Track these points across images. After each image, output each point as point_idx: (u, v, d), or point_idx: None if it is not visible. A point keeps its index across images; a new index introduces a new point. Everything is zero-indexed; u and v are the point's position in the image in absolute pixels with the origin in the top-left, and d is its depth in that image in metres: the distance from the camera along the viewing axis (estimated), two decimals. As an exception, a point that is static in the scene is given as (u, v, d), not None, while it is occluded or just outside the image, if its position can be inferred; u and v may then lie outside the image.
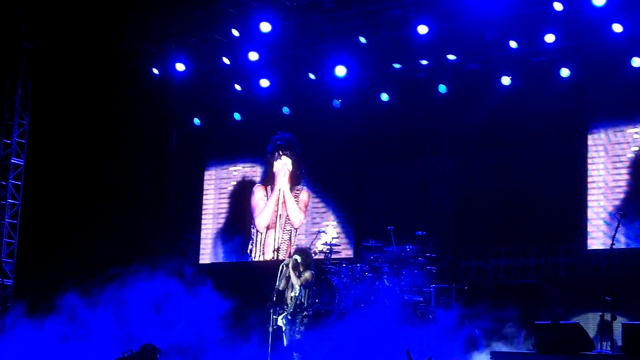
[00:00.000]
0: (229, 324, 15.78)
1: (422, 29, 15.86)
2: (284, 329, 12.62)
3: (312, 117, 18.49)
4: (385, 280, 14.42)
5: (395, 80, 17.55)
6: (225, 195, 19.71)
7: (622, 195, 15.42)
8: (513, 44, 15.74)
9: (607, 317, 11.66)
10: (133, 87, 18.47)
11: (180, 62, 18.20)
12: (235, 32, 17.07)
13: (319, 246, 15.27)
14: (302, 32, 17.16)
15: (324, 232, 15.99)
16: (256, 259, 18.91)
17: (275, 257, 17.86)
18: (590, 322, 13.05)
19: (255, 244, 19.01)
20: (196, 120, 19.69)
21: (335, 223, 17.51)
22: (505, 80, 16.39)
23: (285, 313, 12.61)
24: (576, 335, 11.13)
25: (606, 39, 15.19)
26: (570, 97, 16.00)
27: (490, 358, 11.66)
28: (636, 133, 15.55)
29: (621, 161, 15.61)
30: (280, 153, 19.03)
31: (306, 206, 18.65)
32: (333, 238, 15.50)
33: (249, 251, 19.01)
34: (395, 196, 17.52)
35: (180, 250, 19.72)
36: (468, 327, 13.88)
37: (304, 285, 12.61)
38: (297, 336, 12.53)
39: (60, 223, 18.71)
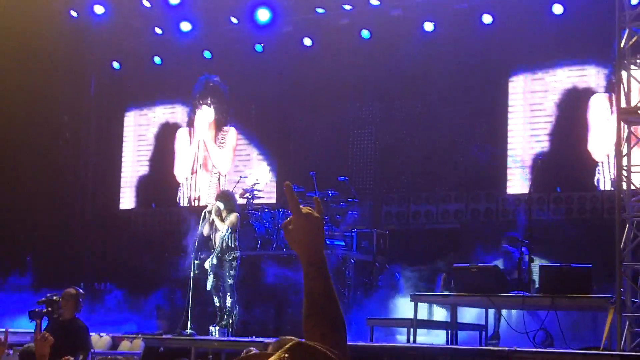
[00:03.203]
0: (153, 268, 15.74)
1: (345, -26, 15.79)
2: (208, 272, 12.56)
3: (235, 62, 18.33)
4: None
5: (318, 25, 17.46)
6: (146, 140, 19.47)
7: (540, 143, 15.66)
8: (436, -10, 15.79)
9: (525, 259, 11.90)
10: (50, 29, 18.02)
11: (99, 4, 17.81)
12: (155, -26, 16.78)
13: (241, 191, 15.21)
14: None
15: (246, 177, 15.94)
16: (177, 205, 18.79)
17: (198, 204, 17.78)
18: (508, 265, 13.26)
19: (182, 190, 18.86)
20: (115, 64, 19.34)
21: (268, 168, 17.44)
22: (428, 27, 16.43)
23: (212, 257, 12.55)
24: (495, 277, 11.34)
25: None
26: (491, 44, 16.13)
27: (410, 300, 11.81)
28: (555, 81, 15.77)
29: (540, 109, 15.83)
30: (203, 100, 18.85)
31: (234, 149, 18.52)
32: (255, 184, 15.42)
33: (169, 197, 18.86)
34: (317, 142, 17.53)
35: (101, 196, 19.48)
36: (389, 271, 14.05)
37: (231, 228, 12.54)
38: (230, 281, 12.49)
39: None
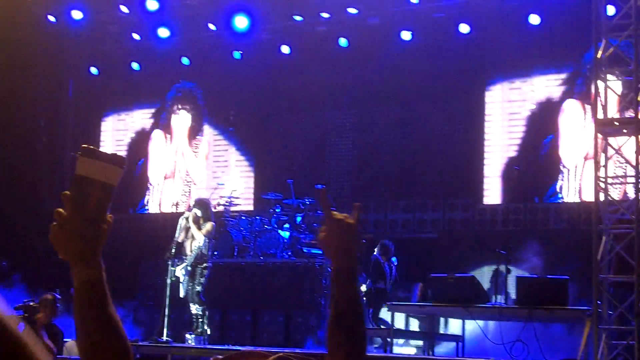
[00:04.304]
0: (128, 275, 15.63)
1: (323, -19, 15.79)
2: (181, 279, 12.51)
3: (213, 69, 18.28)
4: (285, 233, 14.44)
5: (296, 32, 17.45)
6: (123, 146, 19.38)
7: (517, 152, 15.72)
8: (414, -1, 15.83)
9: (502, 269, 11.94)
10: (28, 34, 17.89)
11: (77, 9, 17.70)
12: (133, -20, 16.71)
13: (218, 199, 15.18)
14: (202, -19, 16.90)
15: (223, 184, 15.90)
16: (152, 211, 18.71)
17: (174, 210, 17.70)
18: (485, 275, 13.32)
19: (152, 195, 18.80)
20: (93, 70, 19.24)
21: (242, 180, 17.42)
22: (406, 35, 16.46)
23: (186, 264, 12.50)
24: (471, 288, 11.37)
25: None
26: (468, 53, 16.17)
27: (387, 310, 11.81)
28: (532, 90, 15.84)
29: (517, 118, 15.89)
30: (180, 106, 18.81)
31: (207, 158, 18.49)
32: (232, 191, 15.43)
33: (145, 202, 18.79)
34: (295, 149, 17.51)
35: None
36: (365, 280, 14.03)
37: (207, 237, 12.52)
38: (198, 288, 12.45)
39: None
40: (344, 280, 2.56)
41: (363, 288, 12.98)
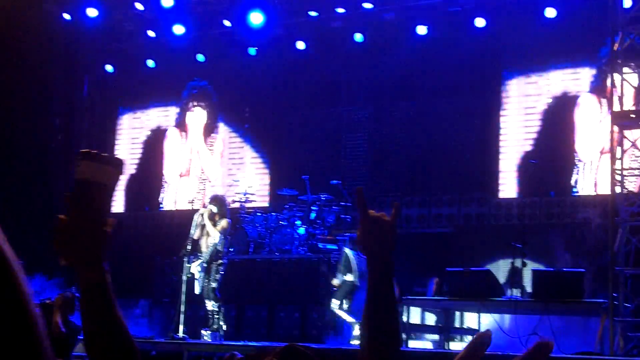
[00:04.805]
0: (140, 272, 15.67)
1: (339, -23, 15.77)
2: (197, 276, 12.52)
3: (228, 65, 18.28)
4: (300, 229, 14.43)
5: (311, 28, 17.43)
6: (139, 143, 19.43)
7: (533, 146, 15.64)
8: (429, -7, 15.78)
9: (517, 263, 11.89)
10: (43, 32, 17.95)
11: (92, 6, 17.76)
12: (148, -23, 16.74)
13: (233, 196, 15.19)
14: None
15: (238, 181, 15.90)
16: (167, 209, 18.73)
17: (190, 208, 17.70)
18: (500, 269, 13.26)
19: (168, 192, 18.83)
20: (109, 67, 19.29)
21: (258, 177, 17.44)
22: (421, 30, 16.41)
23: (201, 261, 12.52)
24: (486, 282, 11.32)
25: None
26: (484, 47, 16.10)
27: (403, 304, 11.78)
28: (548, 84, 15.75)
29: (533, 112, 15.81)
30: (195, 104, 18.83)
31: (222, 156, 18.51)
32: (248, 187, 15.44)
33: (160, 200, 18.83)
34: (310, 146, 17.48)
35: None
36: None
37: (222, 233, 12.53)
38: (213, 284, 12.46)
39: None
40: (379, 279, 2.56)
41: (335, 282, 13.04)
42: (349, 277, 12.94)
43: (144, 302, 15.10)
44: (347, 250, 13.09)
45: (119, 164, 2.08)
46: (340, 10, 16.79)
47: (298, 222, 14.51)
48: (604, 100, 14.51)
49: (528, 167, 14.49)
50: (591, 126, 15.00)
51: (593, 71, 15.25)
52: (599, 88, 14.94)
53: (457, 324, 12.51)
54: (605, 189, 12.98)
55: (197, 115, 18.82)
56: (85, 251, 2.06)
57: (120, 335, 2.08)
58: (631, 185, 11.25)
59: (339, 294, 13.02)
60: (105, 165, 2.06)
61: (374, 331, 2.52)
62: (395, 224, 2.56)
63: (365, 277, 11.94)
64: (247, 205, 15.26)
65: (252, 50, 17.88)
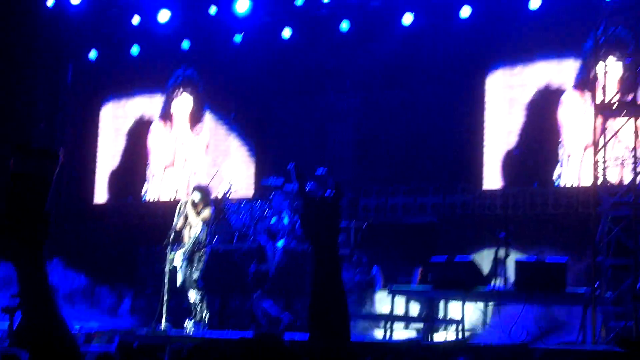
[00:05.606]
0: (123, 263, 15.63)
1: (324, -36, 15.72)
2: (179, 266, 12.47)
3: (213, 52, 18.21)
4: (285, 218, 14.41)
5: (297, 16, 17.37)
6: (123, 133, 19.34)
7: (517, 137, 15.64)
8: (415, -19, 15.75)
9: (501, 253, 11.90)
10: (26, 19, 17.84)
11: (75, -7, 17.66)
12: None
13: (217, 186, 15.13)
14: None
15: (217, 171, 15.83)
16: (151, 199, 18.67)
17: (173, 198, 17.64)
18: (485, 259, 13.27)
19: (151, 183, 18.75)
20: (92, 54, 19.15)
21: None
22: (407, 19, 16.37)
23: (183, 250, 12.46)
24: (470, 272, 11.32)
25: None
26: (469, 37, 16.08)
27: (388, 294, 11.79)
28: (532, 76, 15.74)
29: (517, 104, 15.80)
30: (181, 91, 18.75)
31: (207, 146, 18.44)
32: (230, 180, 15.35)
33: (144, 191, 18.75)
34: (296, 134, 17.45)
35: (75, 190, 19.27)
36: (365, 265, 14.01)
37: (205, 223, 12.47)
38: (196, 274, 12.41)
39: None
40: (322, 269, 2.48)
41: None
42: (263, 267, 12.99)
43: (127, 292, 15.07)
44: (263, 241, 13.14)
45: (55, 156, 2.03)
46: (326, -2, 16.74)
47: (283, 212, 14.48)
48: (587, 94, 14.50)
49: (511, 158, 14.50)
50: (575, 122, 15.00)
51: (578, 63, 15.24)
52: (583, 81, 14.93)
53: (441, 314, 12.51)
54: (588, 181, 13.01)
55: (184, 102, 18.72)
56: (21, 246, 2.02)
57: (59, 330, 2.08)
58: (613, 176, 11.26)
59: (255, 285, 13.06)
60: (41, 158, 2.01)
61: (319, 324, 2.45)
62: (337, 204, 2.47)
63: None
64: (231, 195, 15.20)
65: (238, 38, 17.80)
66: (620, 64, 12.13)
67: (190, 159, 18.52)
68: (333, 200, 2.52)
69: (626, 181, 11.37)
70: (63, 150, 2.08)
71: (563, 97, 15.31)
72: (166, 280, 12.34)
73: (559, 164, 15.10)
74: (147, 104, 19.14)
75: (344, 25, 16.90)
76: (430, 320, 12.35)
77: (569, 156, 15.06)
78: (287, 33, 17.42)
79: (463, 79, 16.19)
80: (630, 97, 11.40)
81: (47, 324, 2.05)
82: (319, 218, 2.47)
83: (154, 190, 18.73)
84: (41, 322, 2.05)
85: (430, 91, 16.48)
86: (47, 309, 2.05)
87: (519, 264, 11.24)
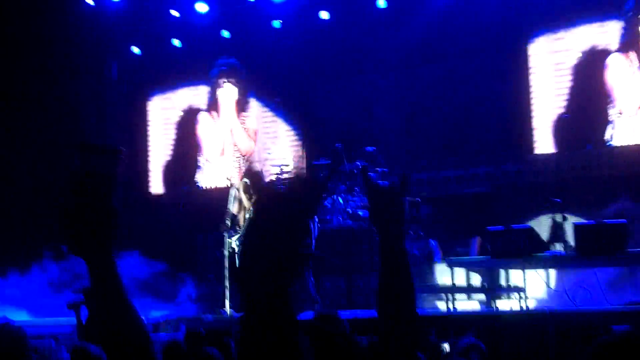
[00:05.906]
0: (183, 251, 15.78)
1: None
2: (237, 250, 12.59)
3: (253, 40, 18.27)
4: (339, 198, 14.47)
5: (333, -3, 17.40)
6: (171, 125, 19.52)
7: (565, 101, 15.56)
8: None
9: (558, 218, 11.86)
10: (67, 19, 18.00)
11: (114, -10, 17.81)
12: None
13: (269, 169, 15.23)
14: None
15: (270, 154, 15.93)
16: (206, 187, 18.82)
17: (228, 185, 17.75)
18: (542, 225, 13.22)
19: (204, 172, 18.91)
20: (135, 49, 19.31)
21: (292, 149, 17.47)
22: (445, -10, 16.33)
23: (239, 235, 12.59)
24: (529, 239, 11.28)
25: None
26: (510, 5, 15.99)
27: (447, 266, 11.81)
28: (576, 40, 15.63)
29: (563, 68, 15.71)
30: (225, 80, 18.85)
31: (255, 133, 18.54)
32: (283, 160, 15.46)
33: (196, 179, 18.91)
34: (341, 114, 17.47)
35: (131, 183, 19.45)
36: (423, 238, 14.03)
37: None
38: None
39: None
40: (390, 256, 2.53)
41: None
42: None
43: (189, 279, 15.21)
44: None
45: (115, 152, 2.09)
46: (363, -23, 16.72)
47: (336, 192, 14.55)
48: (633, 55, 14.37)
49: (562, 121, 14.42)
50: (625, 83, 14.89)
51: (620, 25, 15.10)
52: (627, 43, 14.80)
53: (502, 282, 12.50)
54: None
55: (228, 92, 18.85)
56: (91, 241, 2.09)
57: (131, 322, 2.14)
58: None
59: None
60: (102, 155, 2.07)
61: (388, 314, 2.49)
62: (403, 195, 2.51)
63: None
64: (283, 177, 15.29)
65: (276, 23, 17.86)
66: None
67: (240, 145, 18.63)
68: (400, 191, 2.57)
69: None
70: (124, 149, 2.15)
71: (608, 60, 15.19)
72: (227, 265, 12.47)
73: (610, 125, 15.01)
74: (193, 95, 19.29)
75: (381, 2, 16.88)
76: (492, 289, 12.34)
77: (620, 115, 14.95)
78: (324, 14, 17.43)
79: (505, 47, 16.12)
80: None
81: (119, 317, 2.12)
82: (386, 208, 2.53)
83: (207, 178, 18.88)
84: (113, 316, 2.12)
85: (471, 62, 16.43)
86: (119, 303, 2.12)
87: (578, 227, 11.21)
